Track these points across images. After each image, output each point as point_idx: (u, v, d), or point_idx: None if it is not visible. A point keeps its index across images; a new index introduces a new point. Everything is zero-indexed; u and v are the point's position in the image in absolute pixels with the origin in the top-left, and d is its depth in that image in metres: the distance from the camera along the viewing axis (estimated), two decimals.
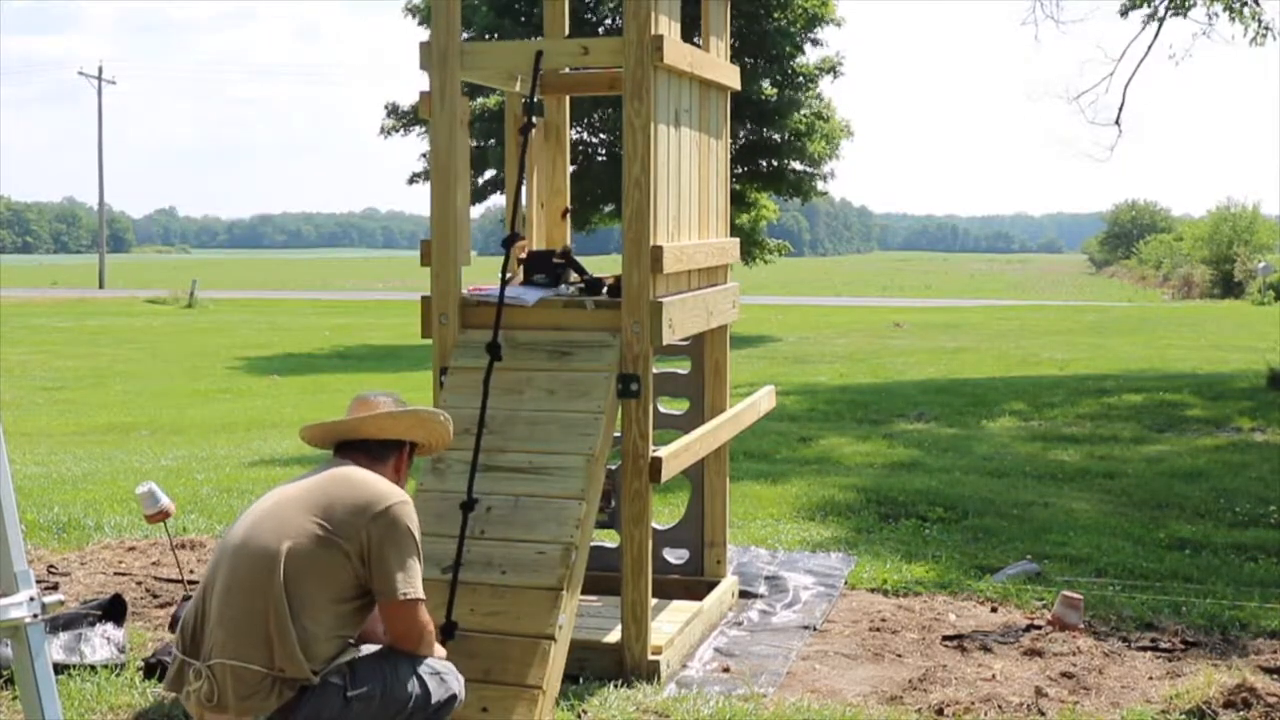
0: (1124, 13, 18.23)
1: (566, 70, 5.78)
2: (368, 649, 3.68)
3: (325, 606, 3.50)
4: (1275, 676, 4.88)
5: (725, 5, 5.95)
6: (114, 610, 5.19)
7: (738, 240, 6.12)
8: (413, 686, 3.59)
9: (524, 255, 5.35)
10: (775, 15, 24.67)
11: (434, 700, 3.64)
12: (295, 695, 3.44)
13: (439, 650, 3.78)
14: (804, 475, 9.32)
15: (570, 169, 6.35)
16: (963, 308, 36.05)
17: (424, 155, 26.09)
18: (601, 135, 25.87)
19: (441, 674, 3.71)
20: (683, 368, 6.09)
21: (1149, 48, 18.33)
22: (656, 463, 4.82)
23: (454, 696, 3.72)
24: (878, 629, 5.59)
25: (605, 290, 5.10)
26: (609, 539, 5.92)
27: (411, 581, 3.57)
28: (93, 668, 4.86)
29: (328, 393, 16.62)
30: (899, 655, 5.25)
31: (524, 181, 5.24)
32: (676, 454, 5.00)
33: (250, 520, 3.63)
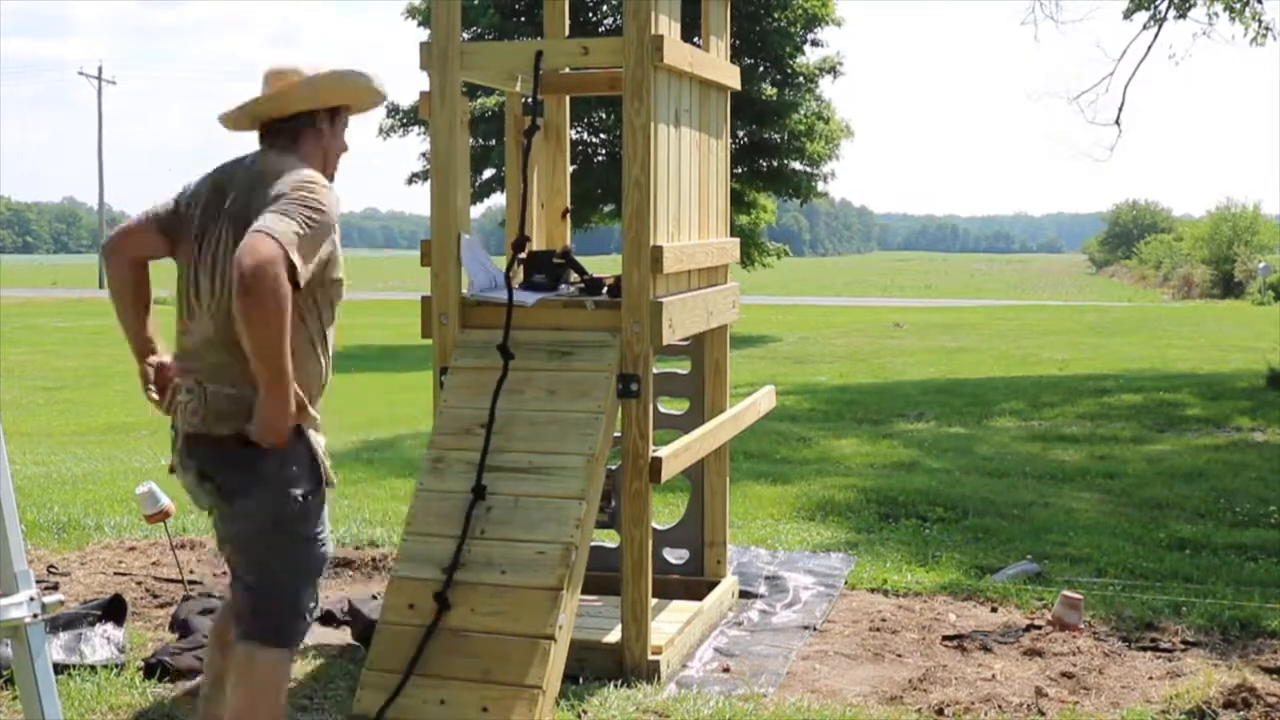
0: (1128, 14, 18.25)
1: (566, 70, 5.78)
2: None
3: None
4: (1275, 676, 4.88)
5: (725, 5, 5.95)
6: (114, 610, 5.19)
7: (738, 240, 6.11)
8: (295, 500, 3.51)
9: (524, 255, 5.34)
10: (775, 15, 24.70)
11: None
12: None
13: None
14: (804, 475, 9.32)
15: (570, 169, 6.34)
16: (963, 308, 36.07)
17: (424, 155, 26.09)
18: (601, 135, 25.88)
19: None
20: (683, 368, 6.09)
21: (1149, 48, 18.34)
22: (656, 463, 4.82)
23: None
24: (878, 629, 5.59)
25: (605, 290, 5.10)
26: (609, 539, 5.91)
27: (274, 224, 3.25)
28: (93, 668, 4.86)
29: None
30: (899, 655, 5.25)
31: (527, 184, 5.23)
32: (676, 454, 5.00)
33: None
